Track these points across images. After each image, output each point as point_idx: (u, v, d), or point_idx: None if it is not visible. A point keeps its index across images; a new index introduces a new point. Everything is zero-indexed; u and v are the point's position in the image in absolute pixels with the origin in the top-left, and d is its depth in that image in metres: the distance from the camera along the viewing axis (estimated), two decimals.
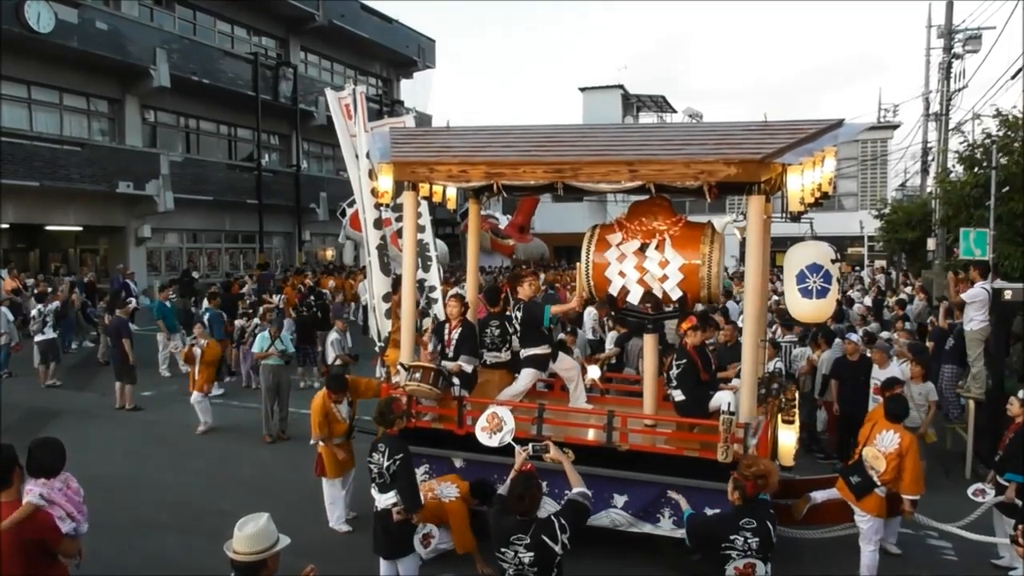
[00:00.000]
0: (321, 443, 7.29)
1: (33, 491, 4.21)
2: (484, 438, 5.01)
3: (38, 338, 13.82)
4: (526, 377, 7.40)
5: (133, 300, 16.23)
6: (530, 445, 4.69)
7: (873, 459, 6.03)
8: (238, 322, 14.56)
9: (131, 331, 12.24)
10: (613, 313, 9.52)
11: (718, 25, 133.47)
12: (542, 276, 20.68)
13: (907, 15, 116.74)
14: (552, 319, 7.61)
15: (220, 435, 10.77)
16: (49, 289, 16.36)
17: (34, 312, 14.10)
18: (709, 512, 4.99)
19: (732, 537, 4.15)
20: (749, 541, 4.12)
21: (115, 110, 23.09)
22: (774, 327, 11.93)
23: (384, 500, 5.41)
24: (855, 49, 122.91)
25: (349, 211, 19.75)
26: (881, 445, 6.05)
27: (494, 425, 5.06)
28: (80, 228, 22.54)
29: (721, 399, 6.53)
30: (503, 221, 32.70)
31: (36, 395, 12.70)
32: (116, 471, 8.83)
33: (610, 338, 11.17)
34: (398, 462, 5.34)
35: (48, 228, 22.11)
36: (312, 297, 15.87)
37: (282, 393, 10.65)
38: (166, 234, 24.88)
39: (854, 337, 9.82)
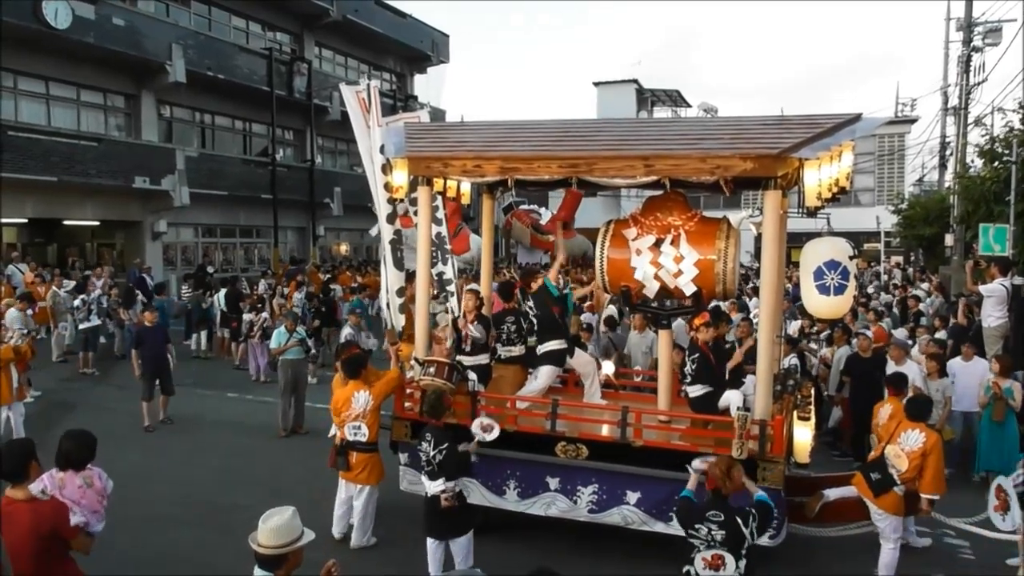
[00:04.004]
0: None
1: (38, 484, 4.20)
2: None
3: (83, 325, 14.23)
4: (545, 375, 7.39)
5: (139, 295, 16.45)
6: None
7: (895, 457, 5.98)
8: (246, 316, 14.65)
9: (140, 339, 11.02)
10: (628, 308, 9.48)
11: (728, 21, 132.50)
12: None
13: (922, 10, 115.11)
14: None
15: (234, 430, 10.83)
16: (85, 277, 16.69)
17: (77, 302, 14.51)
18: None
19: (697, 526, 4.32)
20: (713, 533, 4.26)
21: (131, 105, 23.22)
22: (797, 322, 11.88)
23: (433, 487, 5.66)
24: (869, 45, 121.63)
25: (400, 208, 19.53)
26: (905, 444, 5.98)
27: None
28: (97, 223, 22.69)
29: (729, 399, 6.50)
30: (545, 216, 32.04)
31: (52, 387, 12.79)
32: (130, 464, 8.87)
33: (628, 337, 11.12)
34: (444, 452, 5.62)
35: (66, 223, 22.28)
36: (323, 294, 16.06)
37: (299, 388, 10.71)
38: (182, 229, 24.99)
39: (869, 332, 9.75)
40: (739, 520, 4.27)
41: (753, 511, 4.40)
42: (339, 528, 6.93)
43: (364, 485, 6.76)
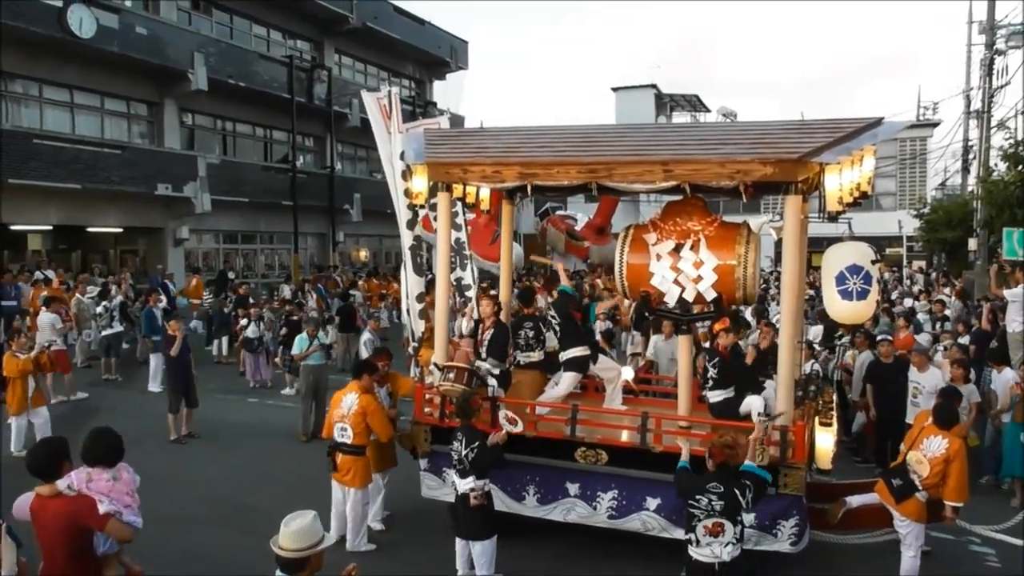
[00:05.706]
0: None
1: (64, 480, 4.26)
2: None
3: (105, 332, 14.50)
4: (567, 381, 7.38)
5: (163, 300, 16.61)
6: None
7: (917, 463, 5.93)
8: (243, 322, 14.77)
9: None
10: (647, 315, 9.45)
11: (742, 24, 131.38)
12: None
13: (940, 11, 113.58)
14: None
15: (255, 434, 10.91)
16: (104, 283, 16.92)
17: (99, 309, 14.77)
18: None
19: (698, 497, 4.62)
20: (713, 503, 4.58)
21: (154, 113, 23.47)
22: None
23: (463, 485, 5.79)
24: (878, 45, 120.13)
25: (421, 212, 19.53)
26: (928, 450, 5.93)
27: None
28: (120, 229, 22.93)
29: (751, 403, 6.45)
30: (582, 221, 31.74)
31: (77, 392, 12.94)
32: (153, 467, 8.91)
33: (653, 342, 11.07)
34: (476, 449, 5.77)
35: (89, 229, 22.54)
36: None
37: (320, 393, 10.76)
38: (203, 235, 25.24)
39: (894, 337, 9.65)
40: (736, 491, 4.61)
41: (748, 482, 4.70)
42: (336, 528, 6.96)
43: (349, 488, 6.81)
